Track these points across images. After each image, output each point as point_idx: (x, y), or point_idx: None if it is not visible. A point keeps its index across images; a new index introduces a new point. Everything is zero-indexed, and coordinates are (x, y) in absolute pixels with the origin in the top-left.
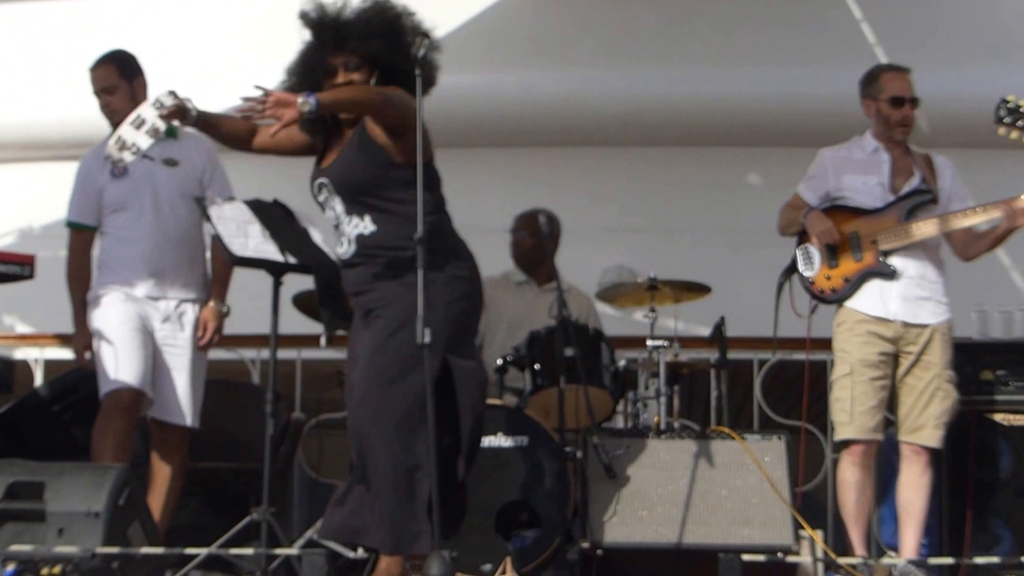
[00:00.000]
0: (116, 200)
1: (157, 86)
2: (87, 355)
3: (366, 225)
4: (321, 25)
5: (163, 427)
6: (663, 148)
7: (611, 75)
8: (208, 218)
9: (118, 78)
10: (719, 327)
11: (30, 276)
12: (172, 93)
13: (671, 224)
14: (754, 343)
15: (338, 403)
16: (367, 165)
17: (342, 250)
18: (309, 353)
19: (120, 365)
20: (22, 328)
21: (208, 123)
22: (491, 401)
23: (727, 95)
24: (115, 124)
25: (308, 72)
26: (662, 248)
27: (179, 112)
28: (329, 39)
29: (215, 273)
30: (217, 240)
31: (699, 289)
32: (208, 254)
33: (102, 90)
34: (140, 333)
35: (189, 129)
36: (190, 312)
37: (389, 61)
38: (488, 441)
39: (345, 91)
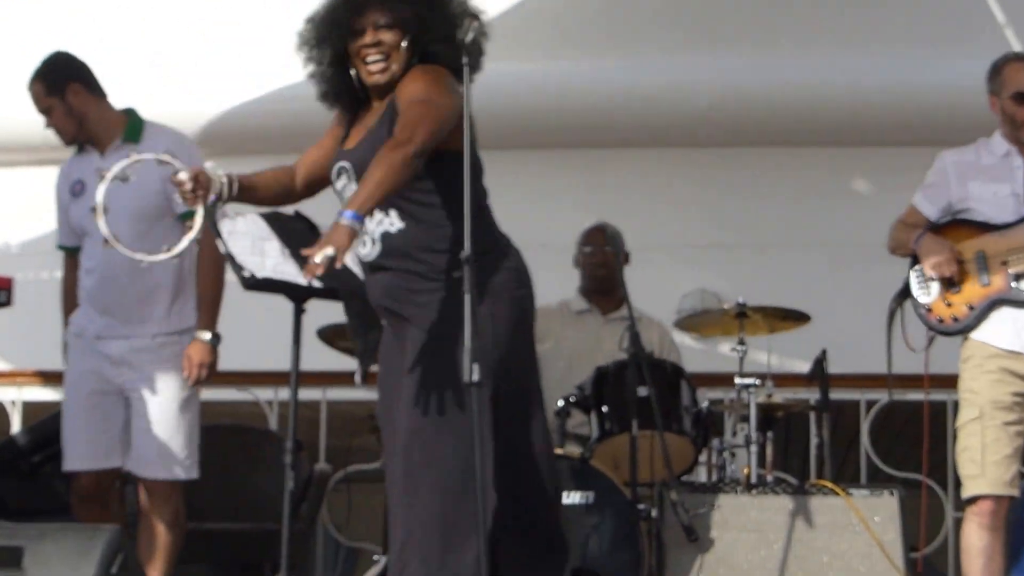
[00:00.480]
0: (77, 223)
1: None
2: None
3: (392, 222)
4: None
5: (146, 480)
6: (751, 149)
7: (689, 62)
8: (218, 234)
9: (47, 97)
10: (820, 362)
11: (6, 303)
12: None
13: (762, 240)
14: (862, 381)
15: (370, 452)
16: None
17: (364, 251)
18: (336, 393)
19: (70, 444)
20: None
21: (244, 187)
22: None
23: (827, 85)
24: (70, 143)
25: (331, 29)
26: (751, 268)
27: (201, 194)
28: None
29: (199, 298)
30: (228, 261)
31: (796, 317)
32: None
33: (42, 112)
34: (94, 396)
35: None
36: (165, 349)
37: (426, 26)
38: None
39: (379, 171)
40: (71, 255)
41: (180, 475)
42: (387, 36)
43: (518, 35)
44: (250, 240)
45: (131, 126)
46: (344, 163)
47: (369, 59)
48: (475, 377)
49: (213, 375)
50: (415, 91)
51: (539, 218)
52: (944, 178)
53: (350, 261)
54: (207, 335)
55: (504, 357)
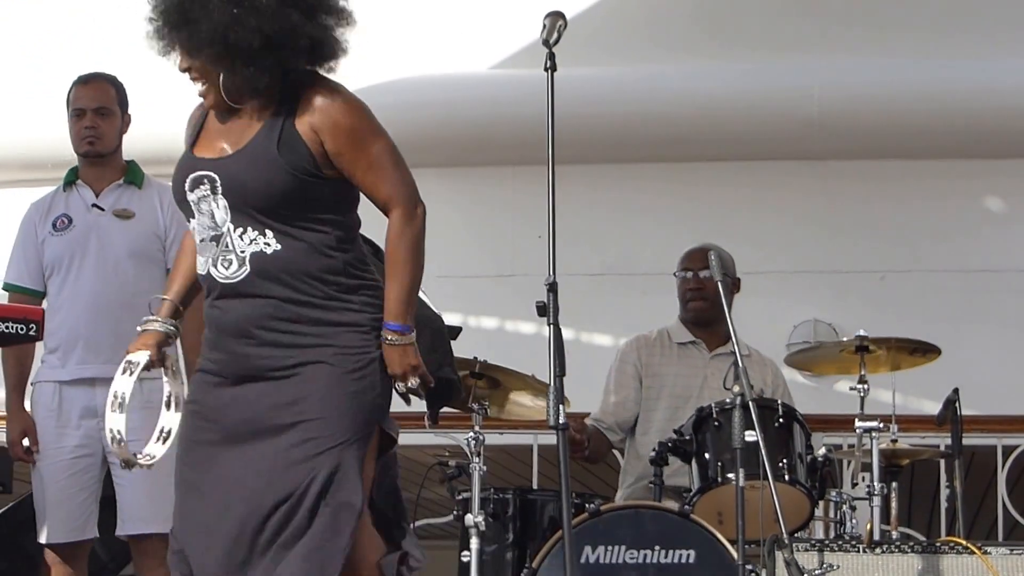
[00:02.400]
0: (53, 258)
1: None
2: (25, 443)
3: (268, 242)
4: None
5: (140, 539)
6: (869, 162)
7: (798, 64)
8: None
9: (115, 103)
10: (952, 402)
11: (38, 336)
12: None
13: (882, 264)
14: (999, 423)
15: (442, 504)
16: (289, 171)
17: (225, 271)
18: (401, 438)
19: (44, 513)
20: None
21: (183, 304)
22: (644, 503)
23: (953, 90)
24: (86, 153)
25: None
26: (871, 297)
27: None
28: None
29: (185, 353)
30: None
31: (925, 350)
32: None
33: (95, 110)
34: (74, 463)
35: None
36: (155, 394)
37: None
38: (643, 556)
39: (407, 268)
40: (20, 297)
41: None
42: (193, 66)
43: (599, 37)
44: None
45: (133, 170)
46: (208, 173)
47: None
48: (561, 419)
49: None
50: (357, 135)
51: (630, 240)
52: None
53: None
54: None
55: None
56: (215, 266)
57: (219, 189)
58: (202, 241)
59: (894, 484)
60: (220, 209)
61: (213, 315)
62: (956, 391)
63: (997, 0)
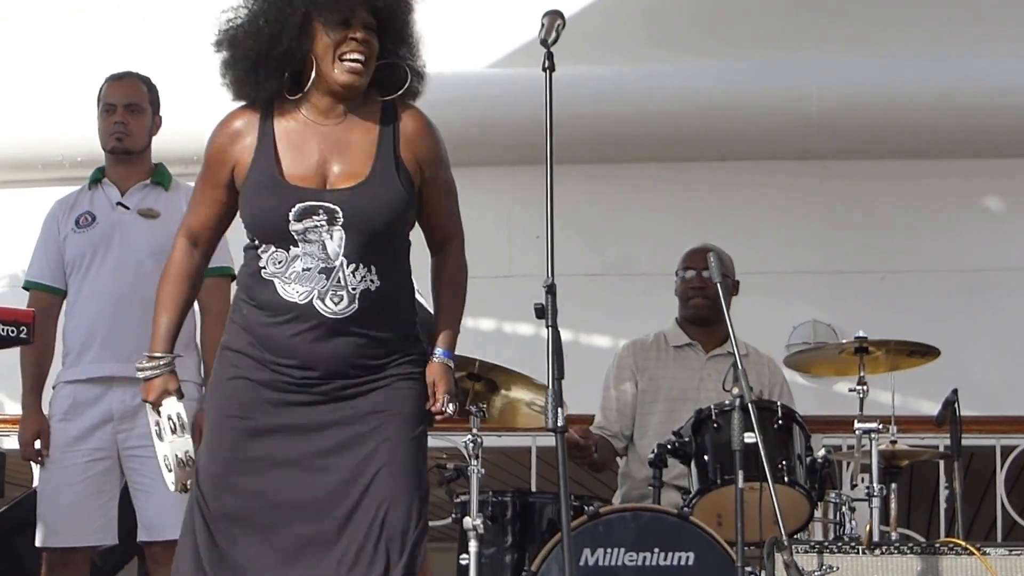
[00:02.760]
0: (74, 255)
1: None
2: (36, 445)
3: (373, 279)
4: None
5: (151, 546)
6: (869, 162)
7: (799, 63)
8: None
9: (147, 102)
10: (951, 403)
11: (28, 340)
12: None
13: (881, 264)
14: (998, 424)
15: (441, 507)
16: (406, 199)
17: (335, 307)
18: None
19: (54, 518)
20: (12, 408)
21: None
22: (644, 505)
23: (955, 89)
24: (113, 149)
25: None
26: (871, 297)
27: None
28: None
29: (207, 361)
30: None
31: (925, 352)
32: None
33: (126, 106)
34: (88, 467)
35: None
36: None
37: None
38: (642, 558)
39: (457, 301)
40: (41, 294)
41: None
42: (367, 36)
43: (597, 35)
44: None
45: (161, 172)
46: (326, 204)
47: (349, 56)
48: (560, 422)
49: None
50: (447, 171)
51: (629, 240)
52: None
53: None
54: None
55: None
56: (322, 300)
57: (338, 220)
58: (306, 271)
59: (893, 485)
60: (334, 241)
61: (297, 344)
62: (955, 392)
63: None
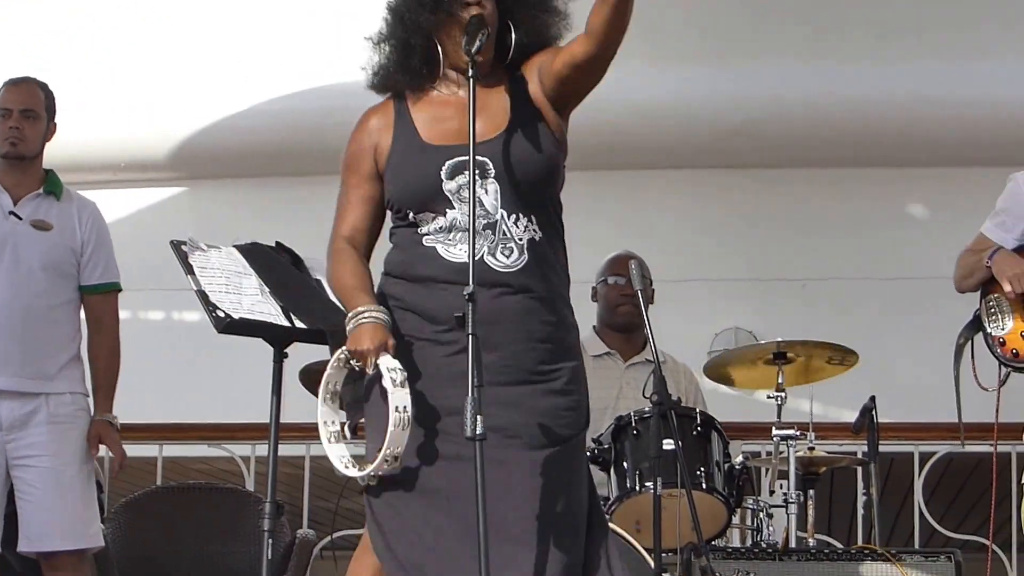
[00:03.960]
0: None
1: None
2: None
3: (535, 229)
4: None
5: (48, 555)
6: (792, 171)
7: (722, 74)
8: (188, 269)
9: (43, 108)
10: (868, 410)
11: None
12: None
13: (803, 272)
14: (916, 431)
15: (362, 514)
16: (551, 146)
17: (506, 259)
18: (322, 448)
19: None
20: None
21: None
22: None
23: (877, 99)
24: (6, 154)
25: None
26: (792, 304)
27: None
28: None
29: (96, 375)
30: (200, 299)
31: (842, 358)
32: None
33: (22, 111)
34: None
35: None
36: (63, 408)
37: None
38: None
39: None
40: None
41: (85, 544)
42: (488, 5)
43: None
44: (225, 276)
45: (53, 180)
46: (477, 157)
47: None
48: (479, 430)
49: None
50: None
51: None
52: (1019, 202)
53: (333, 294)
54: (110, 417)
55: None
56: (493, 255)
57: (490, 172)
58: (467, 231)
59: (811, 492)
60: (489, 195)
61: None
62: (873, 399)
63: (921, 8)
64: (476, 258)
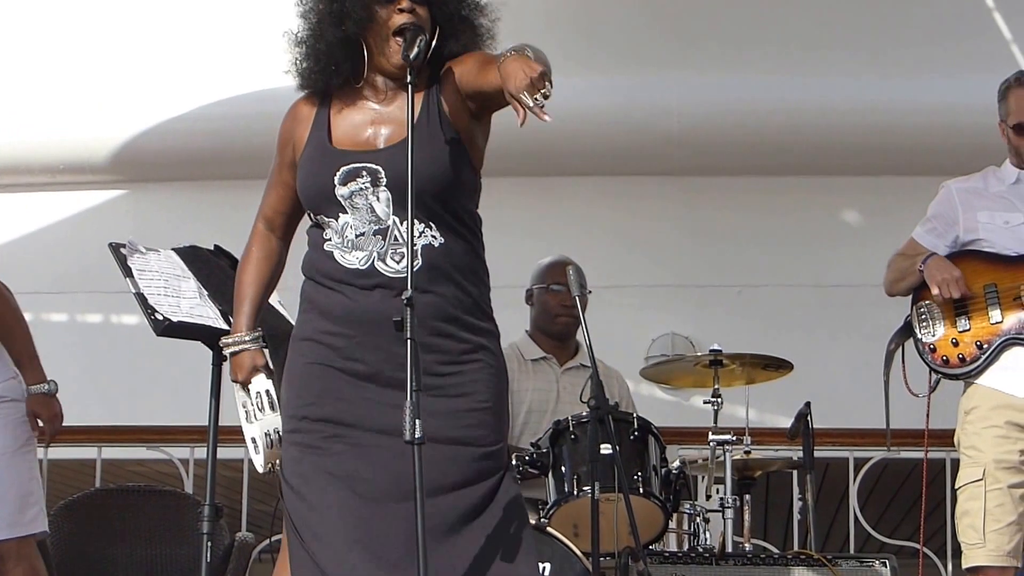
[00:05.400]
0: None
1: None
2: None
3: (434, 235)
4: None
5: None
6: (727, 178)
7: (657, 81)
8: (127, 272)
9: None
10: (804, 415)
11: None
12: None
13: (739, 278)
14: (851, 436)
15: None
16: (452, 158)
17: (396, 265)
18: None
19: None
20: None
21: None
22: None
23: (812, 107)
24: None
25: None
26: (729, 311)
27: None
28: None
29: (13, 351)
30: (139, 302)
31: (778, 366)
32: None
33: None
34: None
35: None
36: None
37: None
38: (500, 568)
39: None
40: None
41: (23, 532)
42: (422, 12)
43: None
44: (164, 279)
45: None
46: (367, 165)
47: (398, 22)
48: (417, 434)
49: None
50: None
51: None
52: (950, 208)
53: (277, 303)
54: (44, 387)
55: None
56: (383, 260)
57: (382, 181)
58: (360, 236)
59: (747, 496)
60: (381, 202)
61: (363, 308)
62: (808, 404)
63: (852, 20)
64: (368, 264)
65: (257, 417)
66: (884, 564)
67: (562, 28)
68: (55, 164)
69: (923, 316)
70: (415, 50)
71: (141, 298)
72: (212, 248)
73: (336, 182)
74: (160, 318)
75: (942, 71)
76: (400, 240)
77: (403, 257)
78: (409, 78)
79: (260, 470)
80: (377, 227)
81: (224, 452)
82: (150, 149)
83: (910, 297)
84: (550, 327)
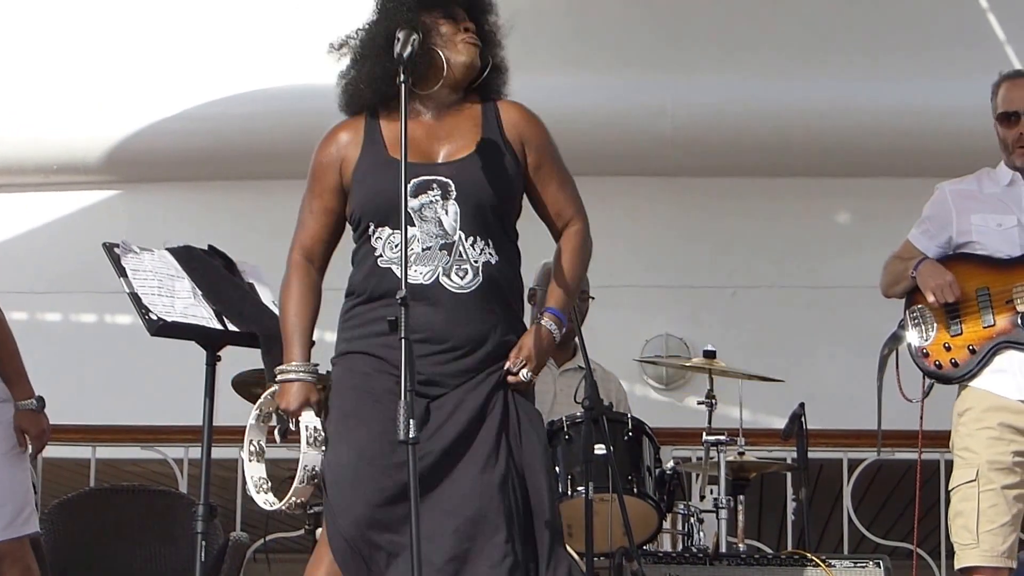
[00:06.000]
0: None
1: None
2: None
3: (492, 253)
4: None
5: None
6: (721, 179)
7: (651, 83)
8: (121, 272)
9: None
10: (798, 416)
11: None
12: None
13: (733, 280)
14: (845, 437)
15: (293, 518)
16: (515, 175)
17: (460, 280)
18: None
19: None
20: None
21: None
22: None
23: (805, 110)
24: None
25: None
26: (722, 312)
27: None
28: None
29: (7, 373)
30: (133, 302)
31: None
32: None
33: None
34: None
35: None
36: None
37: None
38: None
39: (579, 267)
40: None
41: (14, 534)
42: (471, 38)
43: None
44: (157, 279)
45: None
46: (438, 177)
47: (463, 38)
48: (412, 434)
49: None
50: (558, 158)
51: None
52: (944, 210)
53: (271, 302)
54: (32, 402)
55: None
56: (447, 276)
57: (452, 194)
58: (426, 250)
59: (741, 497)
60: (449, 216)
61: (427, 323)
62: (802, 405)
63: (846, 22)
64: (432, 279)
65: (301, 449)
66: (878, 565)
67: (556, 29)
68: (49, 164)
69: (916, 320)
70: (409, 49)
71: (135, 298)
72: (206, 248)
73: (408, 192)
74: (154, 318)
75: (936, 73)
76: (464, 256)
77: (466, 273)
78: (401, 77)
79: (278, 506)
80: (444, 241)
81: (218, 452)
82: (144, 149)
83: (903, 300)
84: None
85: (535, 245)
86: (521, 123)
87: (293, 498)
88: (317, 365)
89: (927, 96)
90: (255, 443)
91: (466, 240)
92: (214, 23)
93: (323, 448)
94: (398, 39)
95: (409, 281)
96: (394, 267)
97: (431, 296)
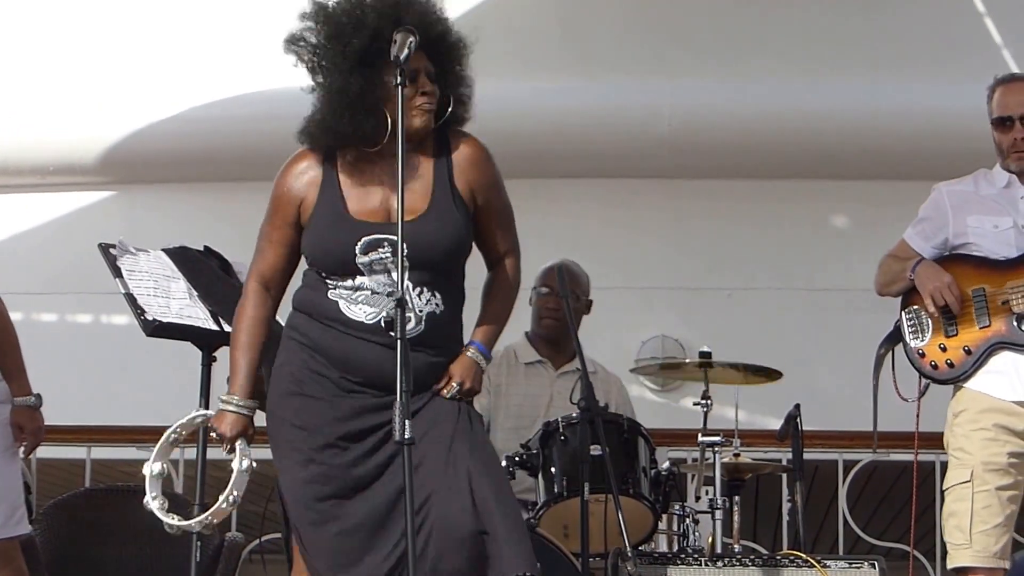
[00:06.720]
0: None
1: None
2: None
3: (438, 303)
4: (424, 23)
5: None
6: (718, 182)
7: (648, 85)
8: (117, 272)
9: None
10: (793, 418)
11: None
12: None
13: (729, 281)
14: (840, 439)
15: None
16: (464, 227)
17: (407, 327)
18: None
19: None
20: None
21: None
22: None
23: (803, 112)
24: None
25: (366, 58)
26: (718, 313)
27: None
28: (429, 44)
29: (7, 369)
30: (129, 303)
31: (767, 373)
32: None
33: None
34: None
35: None
36: None
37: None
38: None
39: (505, 309)
40: None
41: (6, 534)
42: (431, 88)
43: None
44: (153, 280)
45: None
46: (390, 236)
47: (420, 103)
48: (407, 435)
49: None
50: (502, 195)
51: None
52: (940, 211)
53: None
54: (30, 399)
55: None
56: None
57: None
58: (374, 294)
59: (736, 498)
60: (396, 269)
61: (363, 359)
62: (797, 406)
63: (843, 25)
64: (375, 321)
65: (234, 477)
66: (873, 566)
67: (552, 32)
68: (45, 165)
69: (912, 321)
70: (405, 52)
71: (131, 298)
72: (202, 249)
73: (357, 251)
74: (150, 319)
75: (933, 76)
76: (410, 305)
77: (409, 320)
78: (398, 79)
79: (194, 527)
80: (391, 290)
81: (214, 452)
82: (140, 150)
83: (899, 300)
84: (537, 328)
85: (524, 244)
86: (470, 169)
87: (211, 518)
88: (257, 403)
89: (924, 99)
90: (164, 466)
91: (413, 290)
92: (212, 25)
93: (248, 478)
94: (395, 41)
95: (351, 318)
96: (340, 302)
97: (371, 335)
